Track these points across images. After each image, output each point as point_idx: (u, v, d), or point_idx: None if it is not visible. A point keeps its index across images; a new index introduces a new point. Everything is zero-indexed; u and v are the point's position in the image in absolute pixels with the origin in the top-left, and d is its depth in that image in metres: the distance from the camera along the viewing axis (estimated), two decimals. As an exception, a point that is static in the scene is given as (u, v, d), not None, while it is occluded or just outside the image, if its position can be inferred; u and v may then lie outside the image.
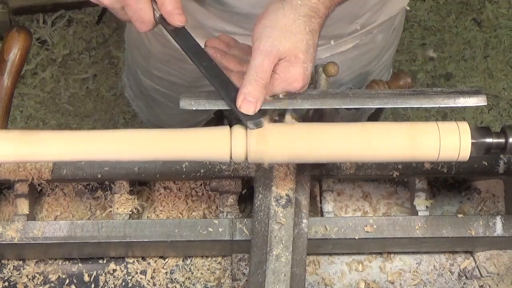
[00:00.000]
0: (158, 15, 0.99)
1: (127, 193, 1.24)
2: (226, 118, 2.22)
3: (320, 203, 1.27)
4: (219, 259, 1.29)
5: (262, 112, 0.94)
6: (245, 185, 1.25)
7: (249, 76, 0.93)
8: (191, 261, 1.29)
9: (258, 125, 0.93)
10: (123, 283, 1.26)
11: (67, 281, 1.26)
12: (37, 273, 1.26)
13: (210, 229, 1.17)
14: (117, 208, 1.23)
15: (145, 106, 1.80)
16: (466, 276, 1.28)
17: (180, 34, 0.99)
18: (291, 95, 0.97)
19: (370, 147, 0.94)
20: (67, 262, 1.27)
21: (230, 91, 0.95)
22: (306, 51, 0.93)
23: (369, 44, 1.42)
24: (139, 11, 0.98)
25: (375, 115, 1.73)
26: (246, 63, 0.96)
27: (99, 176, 1.22)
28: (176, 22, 0.98)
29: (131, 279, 1.27)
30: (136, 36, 1.50)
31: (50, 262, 1.27)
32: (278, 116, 1.02)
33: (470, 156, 0.95)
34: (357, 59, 1.43)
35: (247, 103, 0.93)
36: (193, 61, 0.98)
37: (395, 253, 1.29)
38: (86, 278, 1.26)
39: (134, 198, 1.25)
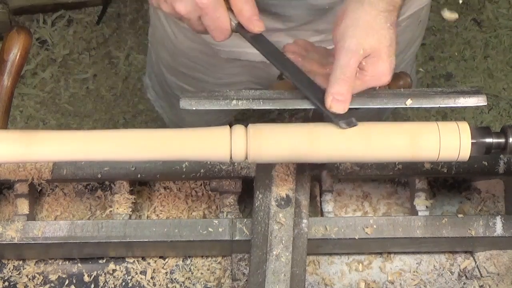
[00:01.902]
0: (235, 24, 0.99)
1: (127, 193, 1.24)
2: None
3: (320, 203, 1.27)
4: (219, 259, 1.29)
5: (351, 112, 0.94)
6: (245, 185, 1.25)
7: (336, 75, 0.93)
8: (191, 261, 1.29)
9: (351, 124, 0.94)
10: (123, 283, 1.26)
11: (67, 281, 1.26)
12: (37, 273, 1.26)
13: (210, 229, 1.17)
14: (117, 208, 1.23)
15: (168, 106, 1.79)
16: (466, 276, 1.28)
17: (259, 40, 0.99)
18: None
19: (370, 147, 0.94)
20: (67, 262, 1.27)
21: (317, 92, 0.96)
22: (390, 45, 0.95)
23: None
24: (217, 20, 0.98)
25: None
26: (329, 65, 0.97)
27: (99, 176, 1.22)
28: (256, 28, 0.98)
29: (131, 279, 1.27)
30: (162, 33, 1.49)
31: (50, 262, 1.27)
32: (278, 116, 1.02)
33: (470, 156, 0.95)
34: None
35: (336, 103, 0.94)
36: (276, 66, 0.99)
37: (395, 253, 1.29)
38: (86, 278, 1.26)
39: (134, 198, 1.25)
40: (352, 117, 0.94)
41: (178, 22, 1.36)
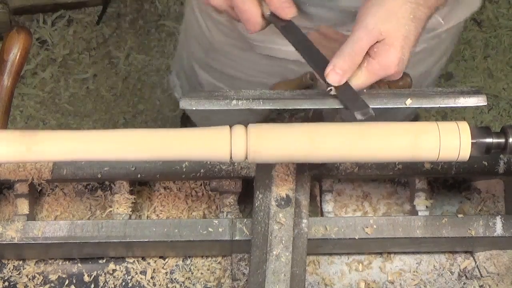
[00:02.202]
0: (268, 14, 0.99)
1: (127, 193, 1.24)
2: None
3: (320, 203, 1.27)
4: (219, 259, 1.29)
5: (366, 104, 0.94)
6: (245, 185, 1.25)
7: (344, 48, 0.93)
8: (191, 261, 1.29)
9: (366, 115, 0.93)
10: (123, 283, 1.26)
11: (67, 281, 1.26)
12: (37, 273, 1.26)
13: (210, 229, 1.17)
14: (117, 208, 1.23)
15: None
16: (466, 276, 1.28)
17: (291, 30, 1.00)
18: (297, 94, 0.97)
19: (370, 147, 0.94)
20: (67, 262, 1.27)
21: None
22: (406, 37, 0.93)
23: (435, 49, 1.41)
24: (245, 12, 0.99)
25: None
26: None
27: (99, 176, 1.22)
28: (288, 14, 0.99)
29: (131, 279, 1.27)
30: (196, 29, 1.49)
31: (50, 262, 1.27)
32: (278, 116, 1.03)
33: (470, 156, 0.95)
34: (419, 64, 1.42)
35: (333, 74, 0.94)
36: (303, 55, 0.99)
37: (395, 253, 1.29)
38: (86, 278, 1.26)
39: (134, 198, 1.25)
40: (368, 107, 0.94)
41: (215, 16, 1.36)
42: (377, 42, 0.94)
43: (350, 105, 0.94)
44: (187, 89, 1.76)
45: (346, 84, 0.96)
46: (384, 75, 0.96)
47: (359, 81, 0.96)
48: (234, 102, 0.97)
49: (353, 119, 0.94)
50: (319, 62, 0.98)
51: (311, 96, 0.98)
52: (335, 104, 0.98)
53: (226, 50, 1.46)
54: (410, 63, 1.35)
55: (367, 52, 0.94)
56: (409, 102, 0.97)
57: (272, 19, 1.00)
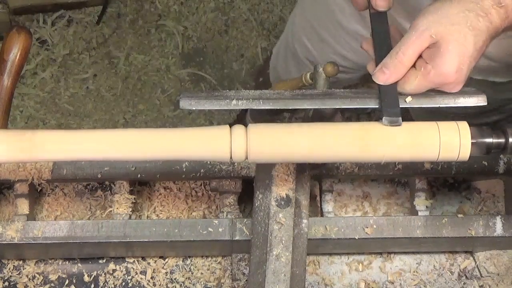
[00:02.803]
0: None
1: (127, 193, 1.24)
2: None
3: (320, 203, 1.27)
4: (219, 259, 1.29)
5: (399, 113, 0.94)
6: (245, 185, 1.25)
7: (394, 49, 0.94)
8: (191, 261, 1.29)
9: (394, 123, 0.93)
10: (123, 283, 1.26)
11: (67, 281, 1.26)
12: (37, 273, 1.26)
13: (210, 229, 1.17)
14: (117, 208, 1.23)
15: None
16: (466, 276, 1.28)
17: (377, 20, 1.01)
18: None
19: (370, 147, 0.94)
20: (67, 262, 1.27)
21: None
22: (462, 44, 0.91)
23: None
24: None
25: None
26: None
27: (99, 176, 1.22)
28: (378, 6, 1.00)
29: (131, 279, 1.27)
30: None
31: (50, 262, 1.27)
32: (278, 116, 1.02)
33: (470, 156, 0.95)
34: None
35: (380, 73, 0.94)
36: (374, 46, 0.99)
37: (395, 253, 1.29)
38: (86, 278, 1.26)
39: (134, 198, 1.25)
40: (399, 116, 0.93)
41: None
42: (431, 46, 0.92)
43: (384, 107, 0.94)
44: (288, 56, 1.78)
45: (392, 86, 0.95)
46: (440, 82, 0.93)
47: (412, 85, 0.94)
48: (234, 102, 0.97)
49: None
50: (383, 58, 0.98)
51: (311, 96, 0.98)
52: (336, 104, 0.98)
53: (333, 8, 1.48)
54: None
55: (423, 57, 0.93)
56: (409, 100, 0.96)
57: (369, 5, 1.03)
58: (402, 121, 0.95)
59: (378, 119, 0.95)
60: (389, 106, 0.94)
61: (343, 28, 1.46)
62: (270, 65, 1.98)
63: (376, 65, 0.97)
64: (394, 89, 0.95)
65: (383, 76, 0.94)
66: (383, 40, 1.00)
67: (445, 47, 0.91)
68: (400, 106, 0.95)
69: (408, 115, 2.46)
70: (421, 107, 0.98)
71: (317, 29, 1.55)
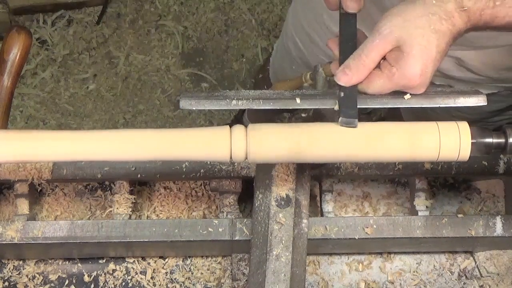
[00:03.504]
0: None
1: (127, 193, 1.24)
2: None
3: (320, 203, 1.27)
4: (219, 259, 1.29)
5: (356, 115, 0.94)
6: (245, 185, 1.25)
7: (357, 51, 0.94)
8: (191, 261, 1.29)
9: (349, 124, 0.94)
10: (123, 283, 1.26)
11: (67, 281, 1.26)
12: (37, 273, 1.26)
13: (210, 229, 1.17)
14: (117, 208, 1.23)
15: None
16: (466, 276, 1.28)
17: (346, 21, 1.02)
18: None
19: (370, 147, 0.94)
20: (67, 262, 1.27)
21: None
22: (426, 47, 0.92)
23: None
24: None
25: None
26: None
27: (99, 176, 1.22)
28: (348, 7, 1.01)
29: (131, 279, 1.27)
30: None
31: (50, 262, 1.27)
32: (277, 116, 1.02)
33: (470, 156, 0.95)
34: None
35: (342, 74, 0.95)
36: (340, 48, 1.00)
37: (395, 253, 1.30)
38: (86, 278, 1.26)
39: (134, 198, 1.25)
40: (356, 118, 0.94)
41: None
42: (395, 49, 0.93)
43: (342, 108, 0.94)
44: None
45: (353, 88, 0.95)
46: (405, 85, 0.94)
47: (376, 86, 0.95)
48: (234, 102, 0.97)
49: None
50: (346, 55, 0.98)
51: (311, 96, 0.98)
52: (336, 104, 0.98)
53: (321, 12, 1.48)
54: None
55: (387, 60, 0.94)
56: (407, 97, 0.97)
57: (340, 6, 1.03)
58: (393, 120, 0.95)
59: (378, 119, 0.95)
60: (347, 107, 0.94)
61: (331, 31, 1.46)
62: (270, 60, 1.99)
63: (340, 66, 0.97)
64: (354, 91, 0.95)
65: (345, 77, 0.95)
66: (349, 41, 1.00)
67: (409, 51, 0.92)
68: (358, 106, 0.95)
69: (398, 115, 2.45)
70: (421, 107, 0.98)
71: (307, 30, 1.56)
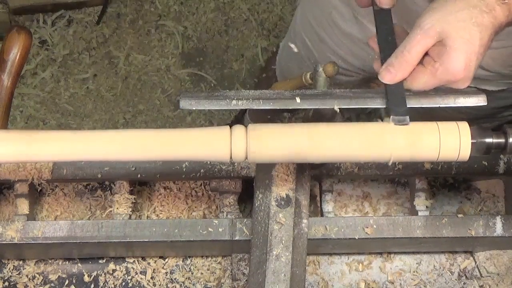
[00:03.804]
0: None
1: (127, 193, 1.24)
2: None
3: (320, 203, 1.27)
4: (219, 259, 1.29)
5: (407, 112, 0.93)
6: (245, 185, 1.25)
7: (399, 48, 0.93)
8: (191, 261, 1.29)
9: (402, 122, 0.93)
10: (123, 283, 1.26)
11: (67, 281, 1.26)
12: (37, 273, 1.26)
13: (210, 229, 1.17)
14: (117, 208, 1.23)
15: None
16: (466, 276, 1.28)
17: (382, 17, 1.01)
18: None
19: (370, 147, 0.94)
20: (67, 262, 1.27)
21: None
22: (469, 40, 0.91)
23: None
24: None
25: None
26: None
27: (99, 176, 1.22)
28: (382, 3, 1.00)
29: (131, 279, 1.27)
30: None
31: (50, 262, 1.27)
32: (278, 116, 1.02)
33: (470, 156, 0.95)
34: None
35: (385, 72, 0.94)
36: (379, 44, 0.99)
37: (395, 253, 1.29)
38: (86, 278, 1.26)
39: (134, 198, 1.25)
40: (407, 115, 0.93)
41: None
42: (437, 44, 0.92)
43: (391, 106, 0.94)
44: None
45: (399, 85, 0.95)
46: (449, 79, 0.93)
47: (420, 83, 0.94)
48: (234, 102, 0.97)
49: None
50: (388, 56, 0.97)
51: (312, 96, 0.98)
52: (335, 104, 0.98)
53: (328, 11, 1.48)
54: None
55: (430, 55, 0.93)
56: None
57: (372, 2, 1.03)
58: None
59: (378, 119, 0.95)
60: (397, 105, 0.94)
61: (340, 29, 1.46)
62: (276, 59, 1.98)
63: (382, 63, 0.97)
64: (401, 88, 0.95)
65: (389, 75, 0.94)
66: (388, 38, 1.00)
67: (451, 45, 0.91)
68: (408, 105, 0.95)
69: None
70: (421, 107, 0.98)
71: (316, 29, 1.56)
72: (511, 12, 0.92)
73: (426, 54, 0.94)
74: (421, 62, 0.94)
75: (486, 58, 1.28)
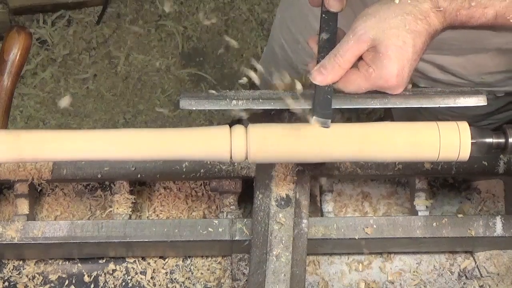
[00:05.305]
0: None
1: (127, 193, 1.24)
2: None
3: (320, 203, 1.27)
4: (219, 259, 1.29)
5: (330, 115, 0.94)
6: (245, 185, 1.25)
7: (333, 51, 0.94)
8: (191, 261, 1.29)
9: (323, 124, 0.94)
10: (123, 283, 1.26)
11: (67, 281, 1.26)
12: (37, 273, 1.26)
13: (210, 229, 1.17)
14: (117, 208, 1.23)
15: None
16: (466, 276, 1.28)
17: (327, 20, 1.01)
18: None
19: (370, 147, 0.94)
20: (67, 262, 1.27)
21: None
22: (401, 47, 0.92)
23: None
24: None
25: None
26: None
27: (99, 176, 1.22)
28: (330, 6, 1.01)
29: (131, 279, 1.27)
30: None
31: (50, 262, 1.27)
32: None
33: (470, 156, 0.95)
34: None
35: (317, 73, 0.95)
36: (319, 47, 1.00)
37: (395, 253, 1.29)
38: (86, 278, 1.26)
39: (134, 198, 1.25)
40: (330, 118, 0.94)
41: None
42: (371, 49, 0.93)
43: (315, 107, 0.94)
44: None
45: (329, 87, 0.95)
46: (382, 85, 0.94)
47: (353, 86, 0.95)
48: (234, 102, 0.97)
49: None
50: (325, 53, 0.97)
51: (311, 96, 0.98)
52: (335, 104, 0.98)
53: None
54: None
55: (365, 60, 0.94)
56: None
57: (322, 4, 1.03)
58: (384, 120, 0.95)
59: (378, 119, 0.95)
60: (322, 107, 0.94)
61: (315, 32, 1.46)
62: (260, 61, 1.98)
63: (317, 63, 0.97)
64: (330, 91, 0.95)
65: (320, 76, 0.95)
66: (329, 40, 1.00)
67: (384, 52, 0.92)
68: (333, 107, 0.95)
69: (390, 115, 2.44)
70: (420, 107, 0.98)
71: (292, 30, 1.56)
72: (446, 19, 0.93)
73: (360, 58, 0.94)
74: (355, 65, 0.95)
75: (456, 67, 1.29)
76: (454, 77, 1.32)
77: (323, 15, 1.01)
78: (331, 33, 1.00)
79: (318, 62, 0.97)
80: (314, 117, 0.94)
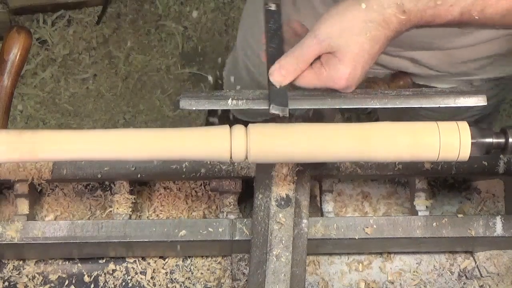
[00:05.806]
0: None
1: (127, 193, 1.24)
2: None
3: (320, 203, 1.27)
4: (219, 259, 1.29)
5: (286, 103, 0.95)
6: (245, 185, 1.25)
7: (293, 50, 0.95)
8: (191, 261, 1.29)
9: (283, 112, 0.95)
10: (123, 283, 1.26)
11: (67, 281, 1.26)
12: (37, 273, 1.26)
13: (210, 229, 1.17)
14: (117, 208, 1.23)
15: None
16: (466, 276, 1.28)
17: (273, 14, 1.04)
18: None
19: (369, 147, 0.94)
20: (67, 262, 1.27)
21: None
22: (358, 54, 0.93)
23: None
24: None
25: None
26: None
27: (99, 176, 1.22)
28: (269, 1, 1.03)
29: (131, 279, 1.27)
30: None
31: (50, 262, 1.27)
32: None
33: (470, 156, 0.95)
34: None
35: (277, 73, 0.96)
36: (266, 46, 1.01)
37: (395, 253, 1.29)
38: (86, 278, 1.26)
39: (134, 198, 1.25)
40: (287, 106, 0.95)
41: None
42: (328, 52, 0.95)
43: (272, 98, 0.95)
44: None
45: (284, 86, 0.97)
46: (332, 86, 0.96)
47: (304, 80, 0.97)
48: (234, 102, 0.97)
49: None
50: (276, 58, 0.98)
51: (311, 96, 0.98)
52: (335, 104, 0.98)
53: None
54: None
55: (320, 58, 0.96)
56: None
57: (264, 1, 1.05)
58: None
59: (378, 119, 0.95)
60: (278, 96, 0.96)
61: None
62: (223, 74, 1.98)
63: (267, 60, 0.98)
64: (285, 90, 0.97)
65: (281, 77, 0.96)
66: (275, 36, 1.02)
67: (340, 58, 0.94)
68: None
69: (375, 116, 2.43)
70: (420, 107, 0.98)
71: (250, 43, 1.56)
72: (411, 20, 0.93)
73: None
74: None
75: (430, 60, 1.30)
76: (429, 70, 1.33)
77: (267, 13, 1.04)
78: (275, 30, 1.02)
79: (268, 59, 0.99)
80: (271, 105, 0.95)
